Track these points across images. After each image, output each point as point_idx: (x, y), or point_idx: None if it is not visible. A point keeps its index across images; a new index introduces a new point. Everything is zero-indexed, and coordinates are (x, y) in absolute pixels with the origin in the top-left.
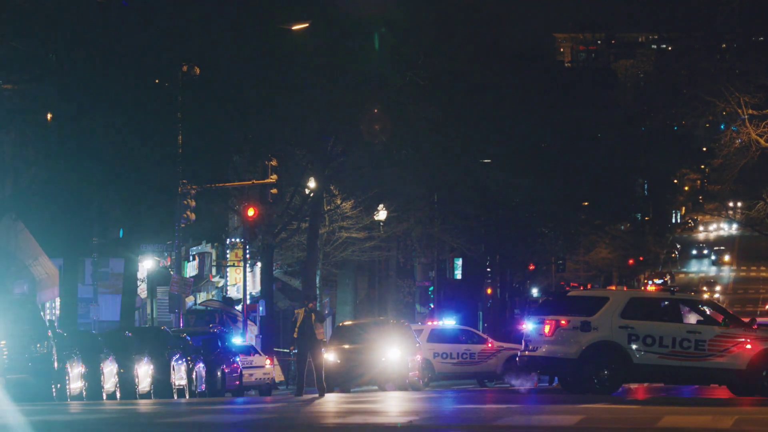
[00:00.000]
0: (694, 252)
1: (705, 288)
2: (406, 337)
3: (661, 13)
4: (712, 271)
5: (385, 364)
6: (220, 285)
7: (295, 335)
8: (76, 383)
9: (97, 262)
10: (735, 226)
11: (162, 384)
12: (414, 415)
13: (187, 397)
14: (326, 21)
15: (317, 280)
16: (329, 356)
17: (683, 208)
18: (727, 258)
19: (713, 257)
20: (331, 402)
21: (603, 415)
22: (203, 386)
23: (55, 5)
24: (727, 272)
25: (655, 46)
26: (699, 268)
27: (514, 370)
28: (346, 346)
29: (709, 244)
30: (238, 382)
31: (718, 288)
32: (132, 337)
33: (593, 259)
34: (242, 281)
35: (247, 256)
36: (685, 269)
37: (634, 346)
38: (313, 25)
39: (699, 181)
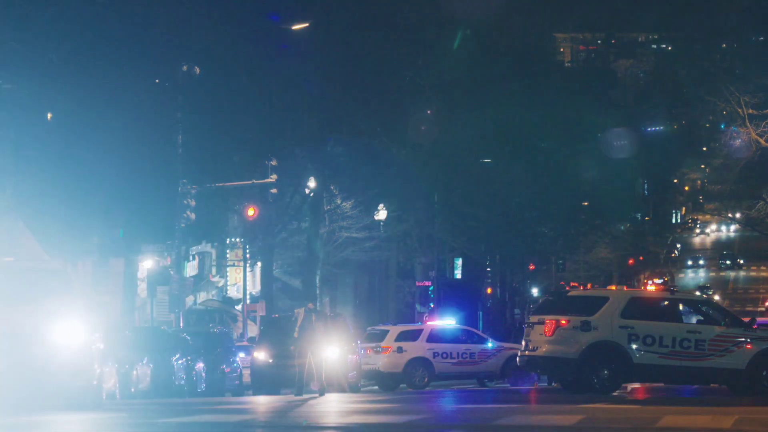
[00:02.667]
0: (690, 262)
1: (697, 293)
2: (344, 333)
3: (662, 13)
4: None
5: (324, 363)
6: (220, 285)
7: (296, 335)
8: None
9: (97, 262)
10: (733, 227)
11: (162, 384)
12: (415, 414)
13: (187, 397)
14: (329, 21)
15: (317, 280)
16: (259, 355)
17: (683, 208)
18: (741, 261)
19: (728, 262)
20: (331, 402)
21: (603, 415)
22: (203, 386)
23: (55, 5)
24: (735, 274)
25: (655, 46)
26: (696, 278)
27: (514, 370)
28: (280, 343)
29: (706, 251)
30: (237, 382)
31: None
32: (132, 337)
33: (593, 259)
34: (242, 281)
35: (247, 256)
36: (684, 270)
37: (634, 346)
38: (314, 25)
39: (699, 181)
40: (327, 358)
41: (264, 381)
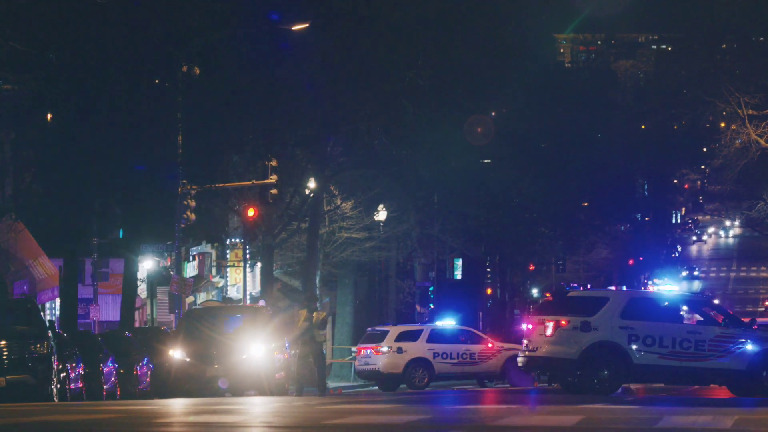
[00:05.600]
0: (685, 272)
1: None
2: (268, 328)
3: (662, 13)
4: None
5: (247, 362)
6: (220, 285)
7: (296, 335)
8: (76, 383)
9: (97, 262)
10: (731, 231)
11: (162, 384)
12: (415, 414)
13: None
14: (327, 20)
15: (317, 281)
16: (175, 353)
17: (683, 209)
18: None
19: None
20: (331, 402)
21: (603, 415)
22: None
23: (55, 5)
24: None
25: (655, 47)
26: (693, 280)
27: (514, 370)
28: (198, 340)
29: (703, 252)
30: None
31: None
32: (132, 337)
33: (593, 260)
34: (242, 281)
35: (247, 256)
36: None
37: (634, 347)
38: (314, 25)
39: (699, 181)
40: (251, 356)
41: (187, 381)
